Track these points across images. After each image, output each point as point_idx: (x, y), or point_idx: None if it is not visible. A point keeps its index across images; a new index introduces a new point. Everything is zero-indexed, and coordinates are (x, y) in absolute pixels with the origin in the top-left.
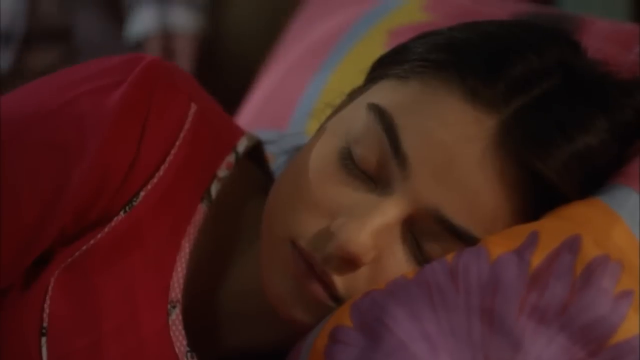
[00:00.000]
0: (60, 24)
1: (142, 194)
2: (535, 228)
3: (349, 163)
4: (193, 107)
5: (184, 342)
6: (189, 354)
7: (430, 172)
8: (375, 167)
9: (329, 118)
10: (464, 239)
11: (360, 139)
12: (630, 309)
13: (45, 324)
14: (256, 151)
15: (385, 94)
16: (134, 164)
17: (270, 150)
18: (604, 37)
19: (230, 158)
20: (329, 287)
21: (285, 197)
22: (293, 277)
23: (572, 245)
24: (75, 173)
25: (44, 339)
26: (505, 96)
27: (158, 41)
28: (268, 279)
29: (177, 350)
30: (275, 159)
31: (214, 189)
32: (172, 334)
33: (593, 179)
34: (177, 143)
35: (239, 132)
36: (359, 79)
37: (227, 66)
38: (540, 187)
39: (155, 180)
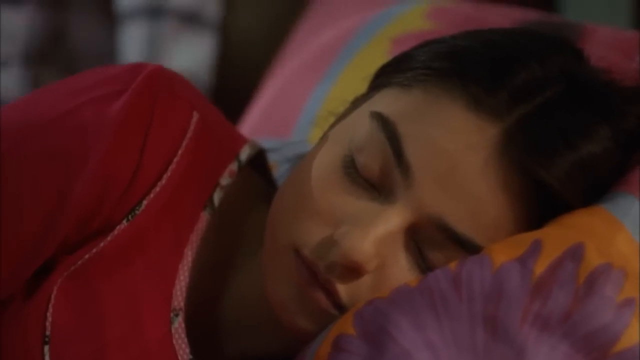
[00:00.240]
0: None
1: (144, 202)
2: (539, 236)
3: (352, 171)
4: (195, 116)
5: (187, 350)
6: None
7: (433, 181)
8: (379, 176)
9: (332, 126)
10: (467, 247)
11: (363, 147)
12: (633, 317)
13: (48, 332)
14: (259, 159)
15: (388, 102)
16: (137, 173)
17: (273, 158)
18: (607, 45)
19: (233, 166)
20: (332, 295)
21: (289, 205)
22: (296, 285)
23: (575, 253)
24: (78, 182)
25: (47, 347)
26: (508, 104)
27: None
28: (271, 287)
29: (180, 358)
30: (278, 167)
31: (217, 197)
32: (175, 342)
33: (596, 187)
34: (180, 151)
35: (241, 140)
36: (362, 87)
37: (230, 74)
38: (543, 195)
39: (157, 188)
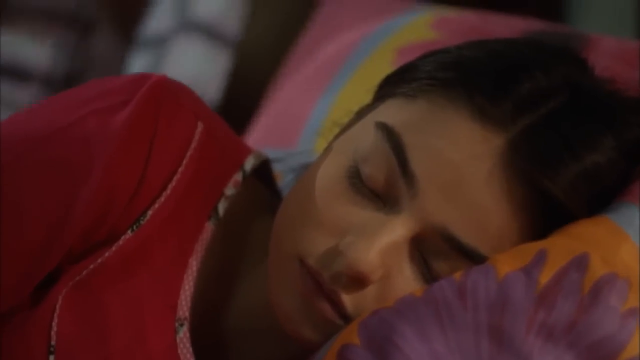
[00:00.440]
0: None
1: (149, 212)
2: (543, 246)
3: (357, 182)
4: (200, 126)
5: None
6: None
7: (438, 191)
8: (383, 186)
9: (336, 136)
10: (472, 258)
11: (368, 157)
12: (637, 327)
13: (53, 342)
14: (264, 169)
15: (393, 112)
16: (141, 183)
17: (277, 169)
18: (611, 55)
19: (238, 176)
20: (337, 305)
21: (294, 215)
22: (301, 295)
23: (580, 263)
24: (82, 193)
25: (52, 357)
26: (513, 114)
27: None
28: (276, 297)
29: None
30: (283, 177)
31: (222, 207)
32: (180, 351)
33: (600, 197)
34: (184, 162)
35: (246, 150)
36: (366, 98)
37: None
38: (548, 205)
39: (162, 199)
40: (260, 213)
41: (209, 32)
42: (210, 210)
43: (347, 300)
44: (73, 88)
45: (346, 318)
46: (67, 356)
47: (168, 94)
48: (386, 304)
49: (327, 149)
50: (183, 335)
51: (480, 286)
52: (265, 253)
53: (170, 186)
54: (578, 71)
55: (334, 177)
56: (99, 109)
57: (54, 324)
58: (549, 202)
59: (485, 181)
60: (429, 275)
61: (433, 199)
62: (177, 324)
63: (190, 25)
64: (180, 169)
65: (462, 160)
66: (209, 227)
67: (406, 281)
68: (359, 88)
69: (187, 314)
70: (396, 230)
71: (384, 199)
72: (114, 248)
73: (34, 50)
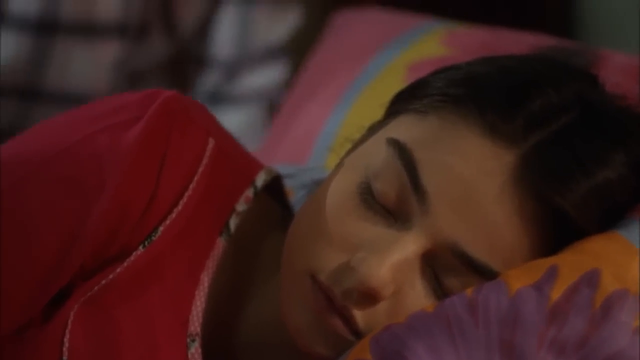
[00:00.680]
0: None
1: (160, 229)
2: (555, 262)
3: (369, 198)
4: (211, 142)
5: None
6: None
7: (450, 207)
8: (395, 202)
9: (348, 153)
10: (483, 273)
11: (379, 173)
12: None
13: (65, 358)
14: (275, 185)
15: (404, 128)
16: (153, 200)
17: (289, 184)
18: (622, 71)
19: (249, 192)
20: (349, 321)
21: (305, 232)
22: (313, 311)
23: (591, 279)
24: (94, 210)
25: None
26: (524, 131)
27: None
28: (288, 313)
29: None
30: (295, 193)
31: (233, 223)
32: None
33: (612, 213)
34: (196, 178)
35: (257, 166)
36: (378, 113)
37: None
38: (559, 221)
39: (173, 215)
40: (272, 229)
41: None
42: (221, 226)
43: (359, 316)
44: (84, 105)
45: (358, 334)
46: None
47: (179, 110)
48: (398, 319)
49: (339, 165)
50: (195, 351)
51: (491, 302)
52: (277, 269)
53: (181, 202)
54: (589, 87)
55: (346, 193)
56: (110, 125)
57: (65, 339)
58: (560, 218)
59: (496, 197)
60: (440, 291)
61: (444, 215)
62: (188, 340)
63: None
64: (191, 185)
65: (474, 176)
66: (220, 243)
67: (418, 297)
68: (371, 103)
69: (198, 329)
70: (407, 246)
71: (395, 215)
72: (125, 264)
73: None
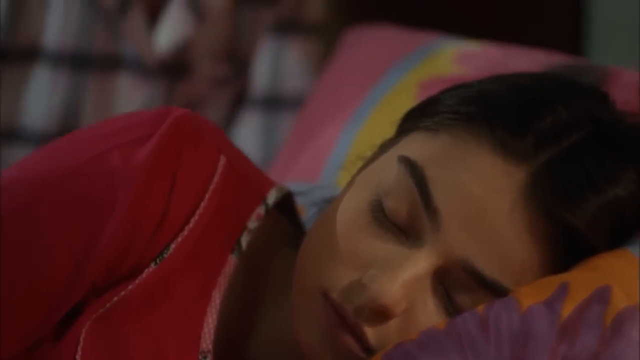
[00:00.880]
0: None
1: (172, 246)
2: (565, 279)
3: (380, 215)
4: (222, 160)
5: None
6: None
7: (461, 225)
8: (406, 219)
9: (359, 170)
10: (495, 291)
11: (391, 191)
12: None
13: None
14: (287, 202)
15: (416, 146)
16: (164, 218)
17: (300, 202)
18: (633, 88)
19: (260, 209)
20: (360, 338)
21: (317, 249)
22: (325, 329)
23: (602, 296)
24: (106, 227)
25: None
26: (535, 148)
27: None
28: (300, 330)
29: None
30: (306, 211)
31: (244, 240)
32: None
33: (622, 230)
34: (207, 195)
35: (268, 184)
36: (389, 131)
37: None
38: (569, 238)
39: (185, 232)
40: (283, 246)
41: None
42: (233, 244)
43: (371, 333)
44: (96, 123)
45: (369, 351)
46: None
47: (190, 128)
48: (409, 336)
49: (350, 183)
50: None
51: (502, 319)
52: (289, 286)
53: (193, 220)
54: (599, 104)
55: (357, 210)
56: (122, 143)
57: (77, 356)
58: (571, 235)
59: (507, 214)
60: (451, 308)
61: (455, 233)
62: (200, 357)
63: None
64: (203, 203)
65: (485, 194)
66: (232, 260)
67: (429, 314)
68: (382, 121)
69: (210, 347)
70: (419, 263)
71: (406, 232)
72: (137, 281)
73: None
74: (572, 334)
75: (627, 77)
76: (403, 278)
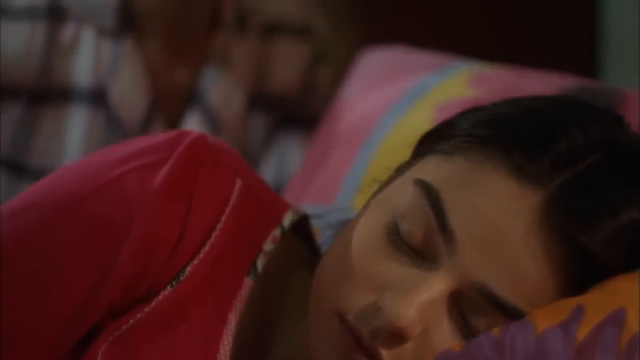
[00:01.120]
0: None
1: (188, 269)
2: (581, 302)
3: (396, 238)
4: (238, 183)
5: None
6: None
7: (477, 248)
8: (422, 242)
9: (375, 193)
10: (510, 313)
11: (407, 214)
12: None
13: None
14: (302, 225)
15: (431, 169)
16: (180, 240)
17: (316, 225)
18: None
19: (276, 232)
20: None
21: (333, 272)
22: (341, 351)
23: (616, 318)
24: (122, 251)
25: None
26: (550, 171)
27: None
28: (316, 352)
29: None
30: (322, 234)
31: (260, 262)
32: None
33: (637, 253)
34: (223, 218)
35: (284, 206)
36: (405, 154)
37: None
38: (585, 261)
39: (201, 255)
40: (299, 269)
41: None
42: (248, 266)
43: (386, 355)
44: (112, 145)
45: None
46: None
47: (206, 151)
48: (425, 359)
49: (366, 206)
50: None
51: (518, 341)
52: (304, 309)
53: (209, 242)
54: (614, 128)
55: (373, 233)
56: (138, 166)
57: None
58: (586, 258)
59: (523, 238)
60: (467, 331)
61: (471, 256)
62: None
63: None
64: (219, 226)
65: (500, 217)
66: (247, 283)
67: (445, 337)
68: (398, 144)
69: None
70: (435, 286)
71: (422, 255)
72: (153, 304)
73: None
74: (587, 356)
75: None
76: (419, 301)
